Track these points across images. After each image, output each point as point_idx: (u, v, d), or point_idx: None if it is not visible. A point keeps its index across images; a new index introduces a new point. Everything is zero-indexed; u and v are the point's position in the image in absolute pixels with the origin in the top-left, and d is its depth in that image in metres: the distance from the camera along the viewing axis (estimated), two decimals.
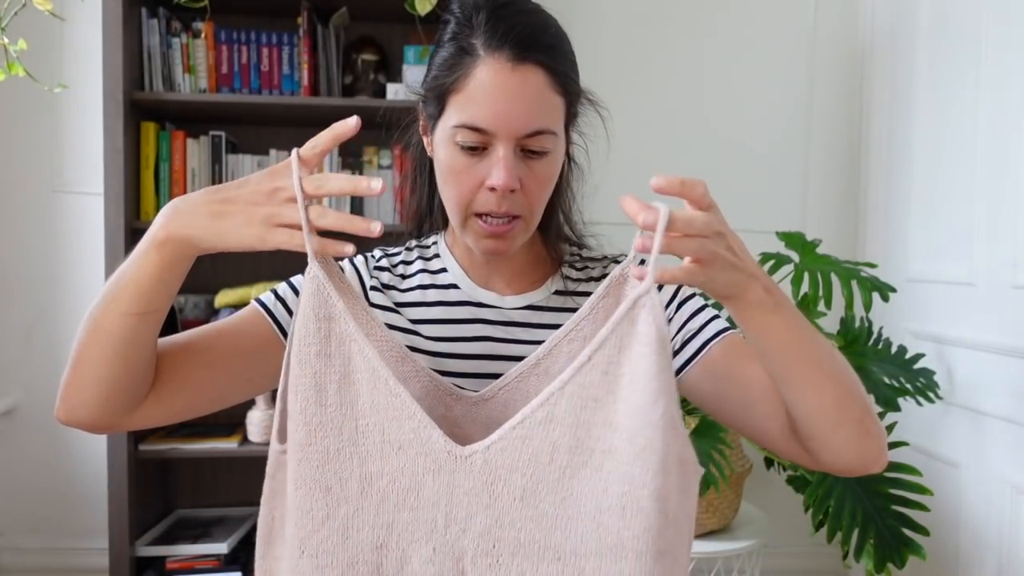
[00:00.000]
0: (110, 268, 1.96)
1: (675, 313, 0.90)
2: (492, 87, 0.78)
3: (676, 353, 0.88)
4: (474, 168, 0.81)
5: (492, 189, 0.80)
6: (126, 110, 1.95)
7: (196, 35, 2.08)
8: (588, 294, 0.90)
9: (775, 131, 2.44)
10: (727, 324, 0.88)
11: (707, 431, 1.71)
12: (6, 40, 1.53)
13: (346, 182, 0.68)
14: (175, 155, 2.08)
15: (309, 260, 0.67)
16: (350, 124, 0.70)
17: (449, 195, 0.84)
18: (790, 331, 0.71)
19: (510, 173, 0.79)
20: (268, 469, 0.72)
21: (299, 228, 0.68)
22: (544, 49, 0.80)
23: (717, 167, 2.40)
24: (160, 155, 2.08)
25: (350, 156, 2.18)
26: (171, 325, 2.09)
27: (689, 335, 0.87)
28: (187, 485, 2.31)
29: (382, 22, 2.25)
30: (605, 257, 0.98)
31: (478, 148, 0.80)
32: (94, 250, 2.20)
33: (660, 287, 0.89)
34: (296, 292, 0.89)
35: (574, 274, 0.94)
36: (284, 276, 0.91)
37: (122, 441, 1.96)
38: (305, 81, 2.09)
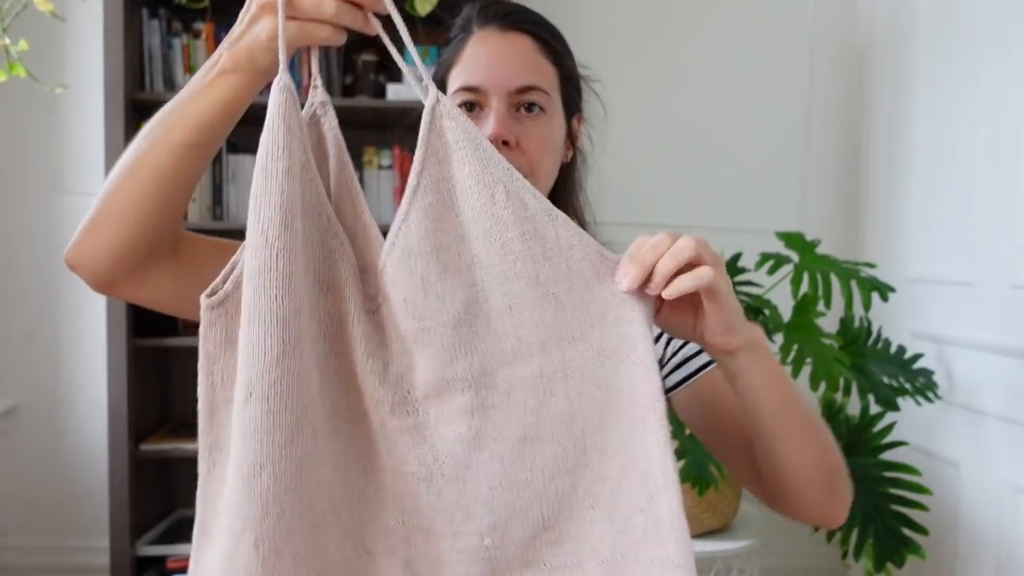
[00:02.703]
0: None
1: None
2: (483, 50, 0.84)
3: (668, 374, 0.90)
4: None
5: None
6: (127, 110, 1.95)
7: (196, 36, 2.08)
8: None
9: (775, 131, 2.44)
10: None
11: None
12: (7, 41, 1.53)
13: None
14: None
15: (280, 68, 0.62)
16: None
17: None
18: (781, 381, 0.71)
19: (502, 122, 0.81)
20: (201, 330, 0.64)
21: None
22: (532, 23, 0.86)
23: (717, 167, 2.41)
24: None
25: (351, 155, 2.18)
26: (171, 325, 2.09)
27: (684, 358, 0.89)
28: (187, 485, 2.29)
29: (383, 22, 2.25)
30: None
31: (474, 108, 0.84)
32: None
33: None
34: None
35: None
36: None
37: (123, 441, 1.96)
38: (305, 81, 2.10)
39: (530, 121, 0.84)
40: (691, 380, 0.88)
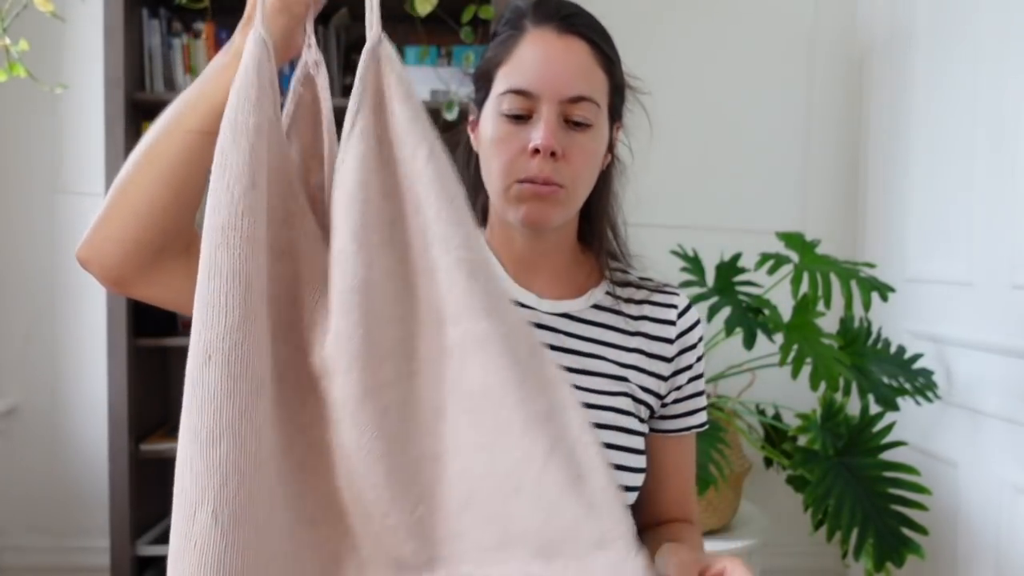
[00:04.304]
0: None
1: (688, 367, 0.93)
2: (538, 52, 0.82)
3: (662, 406, 0.93)
4: (518, 136, 0.82)
5: (535, 152, 0.80)
6: (127, 110, 1.95)
7: (197, 36, 2.08)
8: (626, 315, 0.91)
9: (775, 131, 2.44)
10: (706, 418, 0.97)
11: (706, 431, 1.71)
12: (7, 41, 1.53)
13: None
14: None
15: (256, 20, 0.59)
16: None
17: (493, 167, 0.84)
18: None
19: (552, 133, 0.80)
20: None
21: None
22: (589, 27, 0.84)
23: (717, 167, 2.41)
24: None
25: None
26: (171, 325, 2.09)
27: (680, 411, 0.94)
28: None
29: (383, 23, 2.25)
30: (650, 280, 0.96)
31: (523, 116, 0.82)
32: None
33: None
34: None
35: (615, 291, 0.93)
36: None
37: (123, 441, 1.96)
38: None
39: (579, 134, 0.82)
40: (675, 434, 0.94)
